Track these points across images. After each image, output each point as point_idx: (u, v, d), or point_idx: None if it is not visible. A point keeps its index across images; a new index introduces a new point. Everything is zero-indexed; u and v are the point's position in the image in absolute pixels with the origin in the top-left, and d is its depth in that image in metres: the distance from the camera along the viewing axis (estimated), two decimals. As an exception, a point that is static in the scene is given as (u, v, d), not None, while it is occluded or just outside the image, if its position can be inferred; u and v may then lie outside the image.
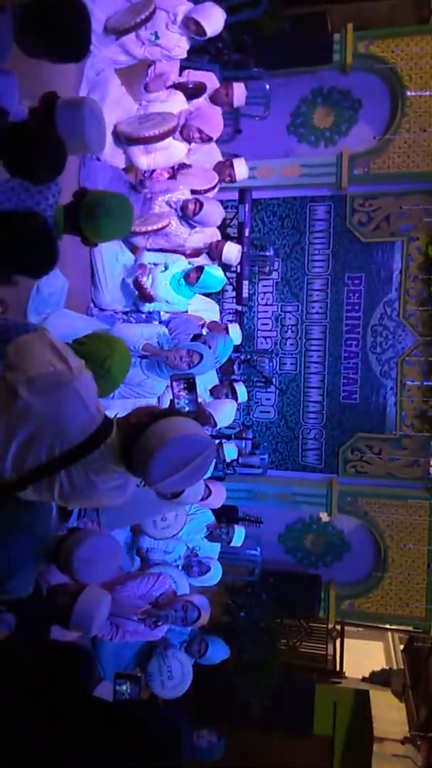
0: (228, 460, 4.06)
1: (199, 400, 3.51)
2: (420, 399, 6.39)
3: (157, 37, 3.92)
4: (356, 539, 6.70)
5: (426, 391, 6.34)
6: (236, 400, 4.55)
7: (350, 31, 6.06)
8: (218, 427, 4.07)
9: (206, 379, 4.36)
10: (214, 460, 3.96)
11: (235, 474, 5.73)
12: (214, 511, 4.44)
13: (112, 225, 2.23)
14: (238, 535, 4.45)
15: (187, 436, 1.62)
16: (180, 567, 4.13)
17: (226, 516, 4.95)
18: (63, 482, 1.65)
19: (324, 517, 6.57)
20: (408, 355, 6.42)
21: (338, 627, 7.43)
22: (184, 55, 4.08)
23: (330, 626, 7.25)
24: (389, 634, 8.62)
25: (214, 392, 4.61)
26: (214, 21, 3.89)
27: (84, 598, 2.24)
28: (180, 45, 4.00)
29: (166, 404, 4.07)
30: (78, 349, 2.21)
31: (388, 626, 7.58)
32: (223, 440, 4.55)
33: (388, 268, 6.43)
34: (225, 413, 3.98)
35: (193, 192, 4.31)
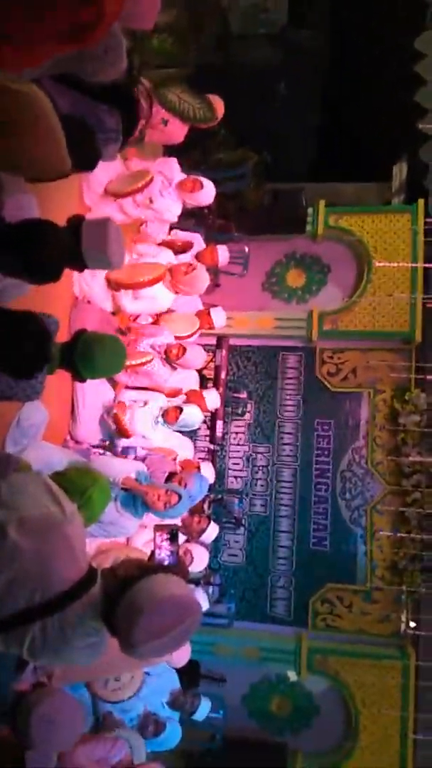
0: None
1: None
2: (390, 550, 6.31)
3: (151, 202, 4.38)
4: (326, 703, 6.21)
5: (396, 541, 6.28)
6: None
7: (322, 206, 6.81)
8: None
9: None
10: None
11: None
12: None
13: (106, 363, 2.33)
14: (203, 709, 4.19)
15: (179, 597, 1.53)
16: (135, 727, 3.77)
17: (188, 675, 4.59)
18: (36, 635, 1.53)
19: (292, 676, 6.14)
20: (377, 503, 6.45)
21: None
22: (175, 219, 4.53)
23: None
24: None
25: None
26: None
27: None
28: (171, 210, 4.46)
29: (134, 543, 3.96)
30: (58, 479, 2.20)
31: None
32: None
33: (356, 417, 6.66)
34: (198, 558, 3.86)
35: (176, 338, 4.55)
